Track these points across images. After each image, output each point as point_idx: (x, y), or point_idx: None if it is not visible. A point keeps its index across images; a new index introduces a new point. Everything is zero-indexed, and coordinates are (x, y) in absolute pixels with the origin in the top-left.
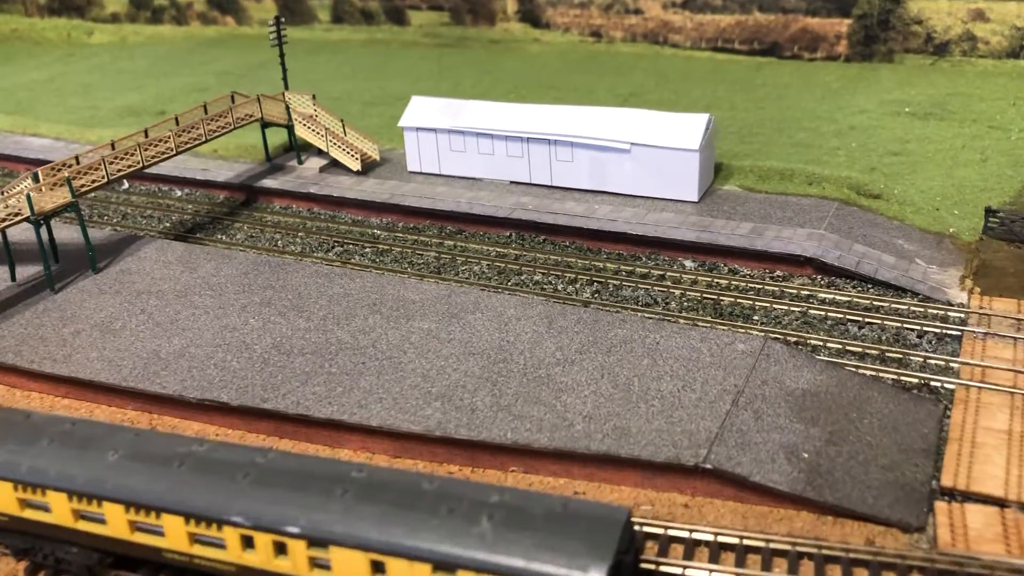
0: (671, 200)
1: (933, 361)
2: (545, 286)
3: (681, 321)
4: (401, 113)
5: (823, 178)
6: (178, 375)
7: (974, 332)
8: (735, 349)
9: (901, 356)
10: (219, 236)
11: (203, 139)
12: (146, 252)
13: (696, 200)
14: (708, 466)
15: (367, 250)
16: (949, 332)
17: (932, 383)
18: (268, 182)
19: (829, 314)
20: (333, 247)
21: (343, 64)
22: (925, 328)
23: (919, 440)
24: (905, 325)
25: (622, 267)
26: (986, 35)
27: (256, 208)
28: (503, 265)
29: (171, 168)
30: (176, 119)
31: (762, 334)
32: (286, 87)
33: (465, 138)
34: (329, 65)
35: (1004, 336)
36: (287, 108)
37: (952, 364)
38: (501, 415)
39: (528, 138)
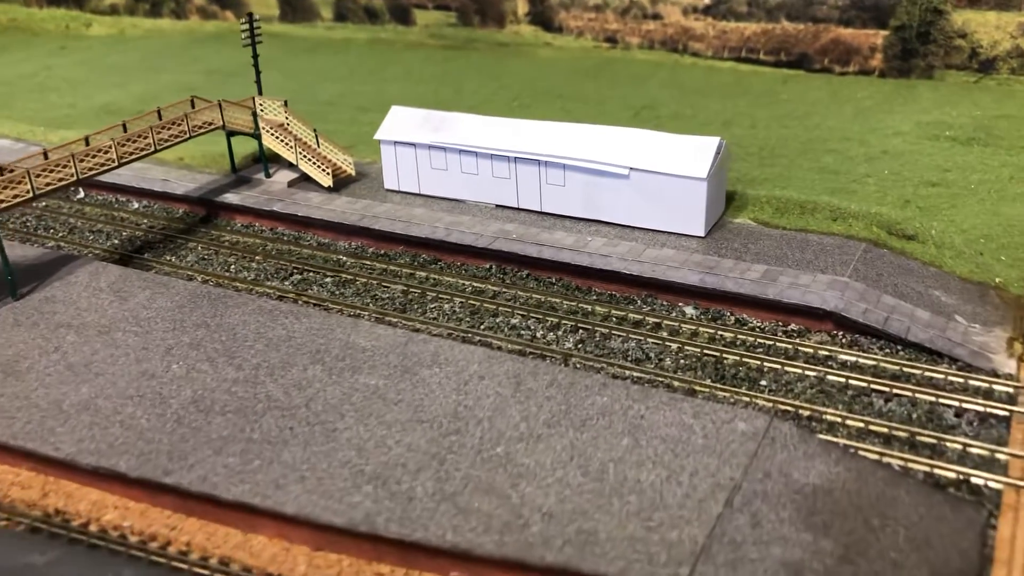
0: (674, 234)
1: (974, 450)
2: (522, 332)
3: (675, 384)
4: None
5: (850, 213)
6: (76, 433)
7: None
8: (734, 429)
9: (935, 441)
10: (168, 257)
11: (152, 149)
12: (78, 276)
13: (703, 235)
14: None
15: (328, 280)
16: (994, 411)
17: (972, 480)
18: (230, 197)
19: (850, 382)
20: (292, 274)
21: (340, 65)
22: (965, 405)
23: (956, 558)
24: (940, 400)
25: (613, 311)
26: None
27: (215, 225)
28: (478, 304)
29: (130, 177)
30: (124, 125)
31: (769, 407)
32: (259, 91)
33: (447, 155)
34: (326, 65)
35: None
36: (254, 115)
37: (998, 455)
38: (444, 507)
39: (516, 158)
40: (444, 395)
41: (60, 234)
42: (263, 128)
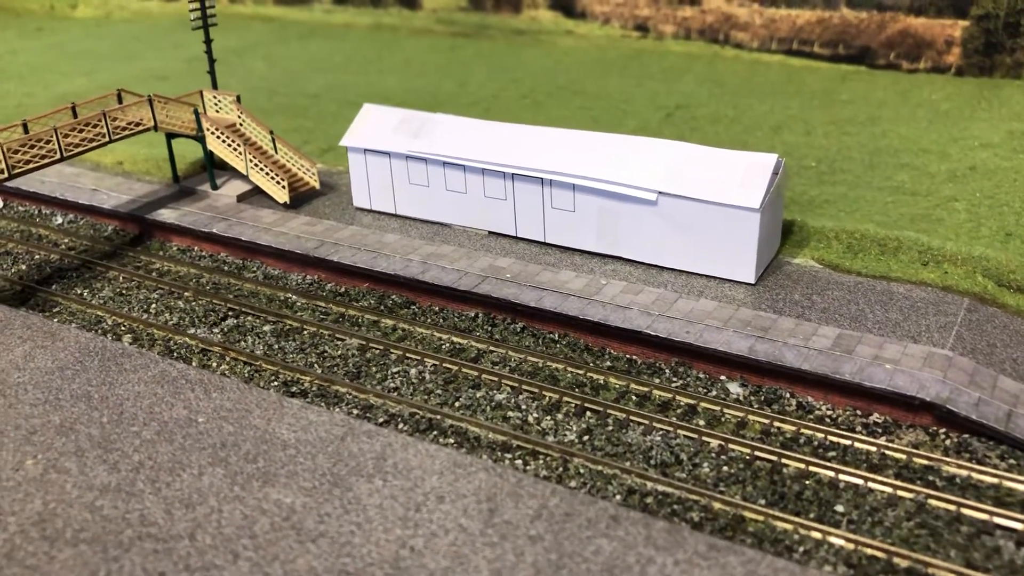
0: (716, 279)
1: None
2: (510, 413)
3: (715, 506)
4: None
5: (945, 255)
6: None
7: None
8: None
9: None
10: (79, 291)
11: (58, 156)
12: None
13: (753, 282)
14: None
15: (267, 328)
16: None
17: None
18: (166, 213)
19: (963, 511)
20: (224, 318)
21: (335, 52)
22: None
23: None
24: None
25: (632, 386)
26: None
27: (146, 249)
28: (455, 368)
29: (56, 185)
30: (25, 125)
31: (850, 552)
32: (213, 85)
33: (428, 168)
34: (319, 53)
35: None
36: (196, 115)
37: None
38: None
39: (513, 174)
40: (384, 528)
41: None
42: (208, 130)
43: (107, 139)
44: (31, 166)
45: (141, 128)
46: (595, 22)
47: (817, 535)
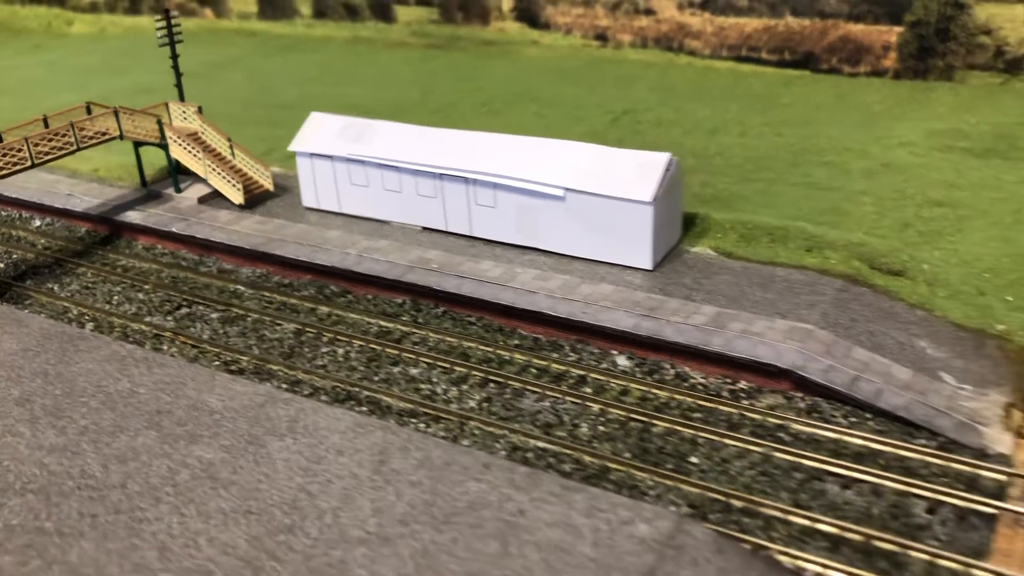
0: (619, 266)
1: (946, 563)
2: (421, 386)
3: (586, 459)
4: None
5: (827, 243)
6: None
7: (1016, 513)
8: (633, 533)
9: (897, 550)
10: (50, 285)
11: (28, 163)
12: None
13: (650, 268)
14: None
15: (215, 315)
16: (976, 508)
17: None
18: (132, 215)
19: (802, 461)
20: (178, 307)
21: (312, 65)
22: (942, 498)
23: None
24: (911, 489)
25: (533, 361)
26: None
27: (115, 247)
28: (379, 348)
29: (35, 191)
30: None
31: (696, 495)
32: (180, 96)
33: (367, 170)
34: (297, 65)
35: None
36: (159, 124)
37: (976, 572)
38: None
39: (442, 174)
40: (288, 476)
41: None
42: (171, 138)
43: (75, 147)
44: (3, 172)
45: (107, 137)
46: (558, 32)
47: (669, 482)
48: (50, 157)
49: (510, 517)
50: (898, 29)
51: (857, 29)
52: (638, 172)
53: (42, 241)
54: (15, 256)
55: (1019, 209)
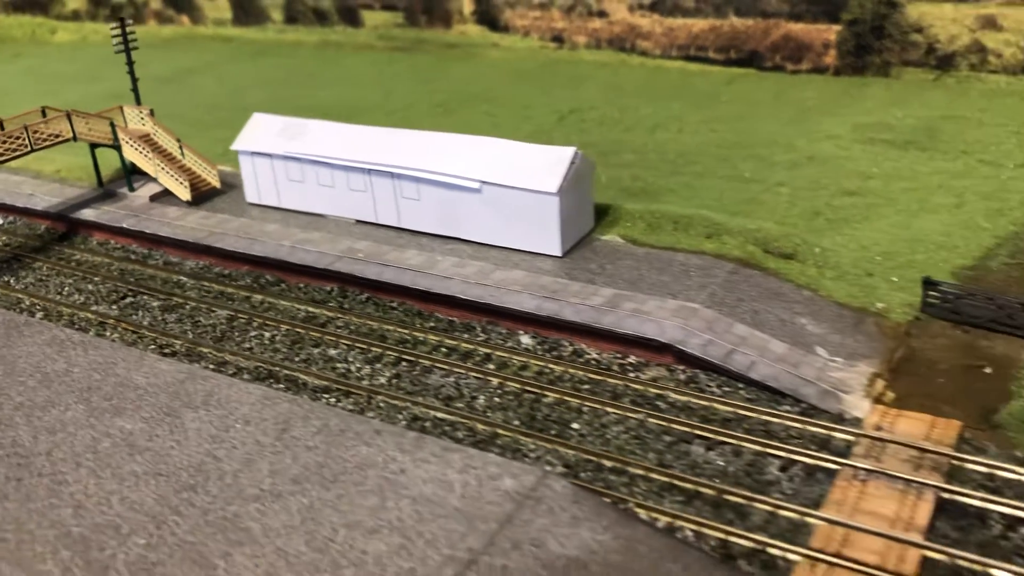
0: (531, 253)
1: (785, 513)
2: (338, 365)
3: (479, 427)
4: None
5: (726, 229)
6: None
7: (855, 468)
8: (499, 487)
9: (744, 502)
10: (7, 278)
11: None
12: None
13: (560, 254)
14: None
15: (156, 304)
16: (823, 465)
17: (770, 550)
18: (89, 213)
19: (673, 427)
20: (124, 297)
21: (281, 69)
22: (794, 456)
23: None
24: (768, 450)
25: (445, 341)
26: (998, 46)
27: (71, 243)
28: (303, 332)
29: (1, 192)
30: None
31: (572, 457)
32: (137, 100)
33: (303, 166)
34: (266, 70)
35: (894, 478)
36: (112, 127)
37: (809, 520)
38: None
39: (370, 170)
40: (197, 443)
41: None
42: (124, 140)
43: (29, 149)
44: None
45: (61, 139)
46: (517, 35)
47: (550, 445)
48: (4, 158)
49: (391, 475)
50: (836, 27)
51: (798, 28)
52: (546, 165)
53: (3, 238)
54: None
55: (925, 198)
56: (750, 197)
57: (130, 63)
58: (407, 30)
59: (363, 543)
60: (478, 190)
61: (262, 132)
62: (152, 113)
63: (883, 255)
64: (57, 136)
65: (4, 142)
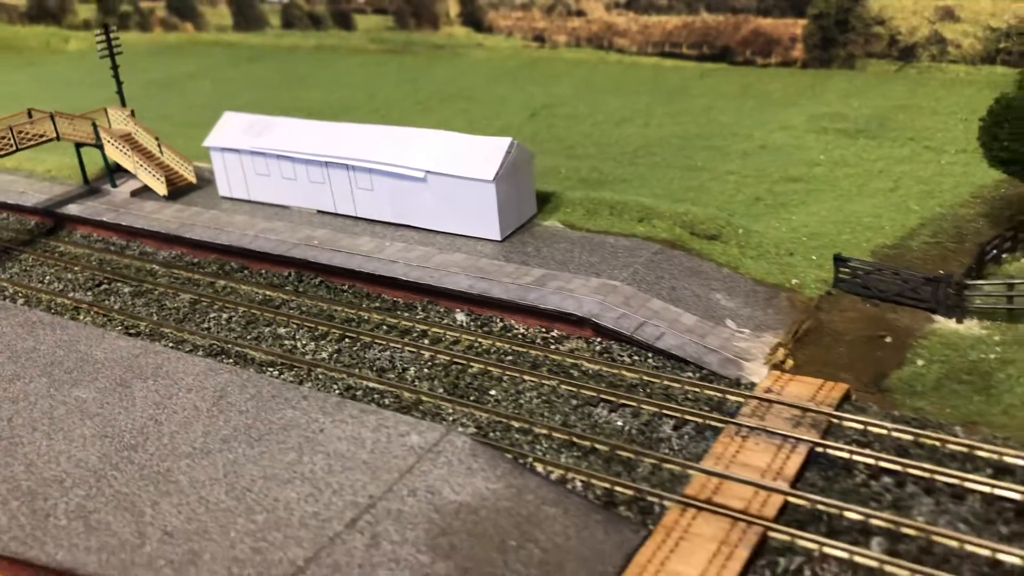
0: (473, 238)
1: (668, 466)
2: (286, 342)
3: (405, 395)
4: None
5: (658, 213)
6: None
7: (739, 426)
8: (405, 443)
9: (633, 456)
10: None
11: None
12: None
13: (499, 239)
14: None
15: (127, 290)
16: (712, 424)
17: (649, 498)
18: (74, 208)
19: (582, 392)
20: (99, 284)
21: (274, 72)
22: (688, 417)
23: None
24: (664, 411)
25: (387, 320)
26: (957, 37)
27: (57, 236)
28: (258, 313)
29: None
30: None
31: (482, 418)
32: (122, 103)
33: (267, 160)
34: (261, 73)
35: (773, 434)
36: (94, 126)
37: (689, 471)
38: (75, 525)
39: (327, 162)
40: (143, 409)
41: None
42: (105, 139)
43: (14, 148)
44: None
45: (45, 139)
46: (501, 35)
47: (467, 410)
48: None
49: (311, 434)
50: (802, 22)
51: (766, 23)
52: (484, 155)
53: None
54: None
55: (865, 183)
56: (698, 184)
57: (114, 67)
58: (397, 33)
59: (277, 492)
60: (424, 179)
61: (231, 129)
62: (133, 114)
63: (810, 236)
64: (41, 136)
65: None
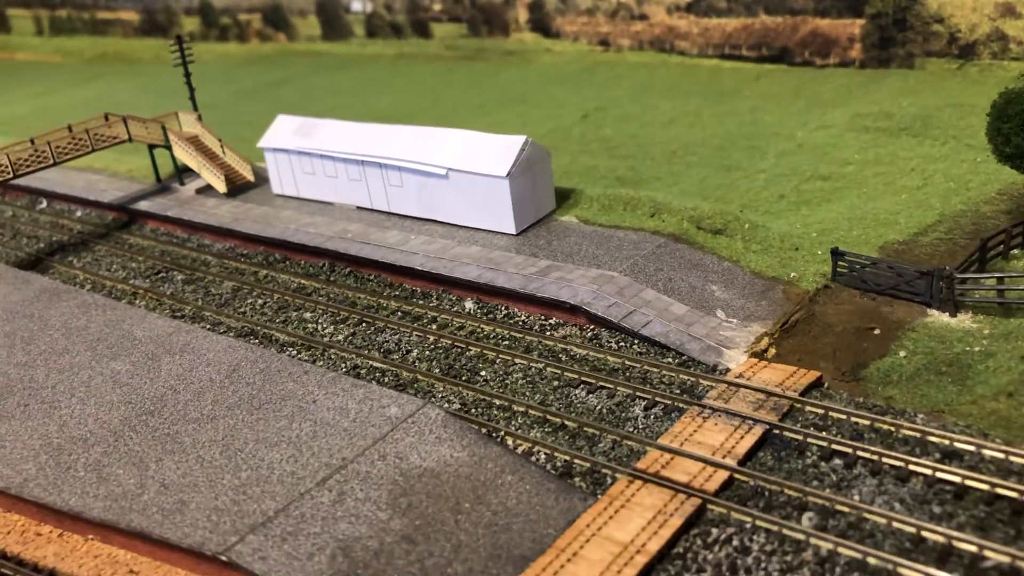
0: (490, 231)
1: (628, 442)
2: (308, 325)
3: (403, 374)
4: None
5: (668, 208)
6: None
7: (701, 407)
8: (384, 414)
9: (597, 432)
10: (71, 259)
11: (51, 161)
12: None
13: (515, 233)
14: (224, 558)
15: (180, 278)
16: (680, 406)
17: (602, 470)
18: (144, 204)
19: (565, 374)
20: (158, 272)
21: (354, 80)
22: (658, 399)
23: (528, 544)
24: (637, 393)
25: (403, 307)
26: (1019, 34)
27: (130, 230)
28: (289, 300)
29: (81, 188)
30: (32, 140)
31: (470, 396)
32: (194, 107)
33: (312, 160)
34: (342, 81)
35: (733, 415)
36: (163, 129)
37: (647, 447)
38: (89, 476)
39: (363, 161)
40: (165, 380)
41: (3, 239)
42: (173, 141)
43: (90, 149)
44: (30, 169)
45: (118, 141)
46: (567, 40)
47: (455, 388)
48: (68, 157)
49: (304, 404)
50: (860, 22)
51: (824, 23)
52: (500, 153)
53: (78, 227)
54: (54, 238)
55: (893, 180)
56: (727, 183)
57: (187, 75)
58: (470, 40)
59: (264, 453)
60: (446, 176)
61: (283, 131)
62: (200, 118)
63: (820, 232)
64: (115, 138)
65: (70, 143)
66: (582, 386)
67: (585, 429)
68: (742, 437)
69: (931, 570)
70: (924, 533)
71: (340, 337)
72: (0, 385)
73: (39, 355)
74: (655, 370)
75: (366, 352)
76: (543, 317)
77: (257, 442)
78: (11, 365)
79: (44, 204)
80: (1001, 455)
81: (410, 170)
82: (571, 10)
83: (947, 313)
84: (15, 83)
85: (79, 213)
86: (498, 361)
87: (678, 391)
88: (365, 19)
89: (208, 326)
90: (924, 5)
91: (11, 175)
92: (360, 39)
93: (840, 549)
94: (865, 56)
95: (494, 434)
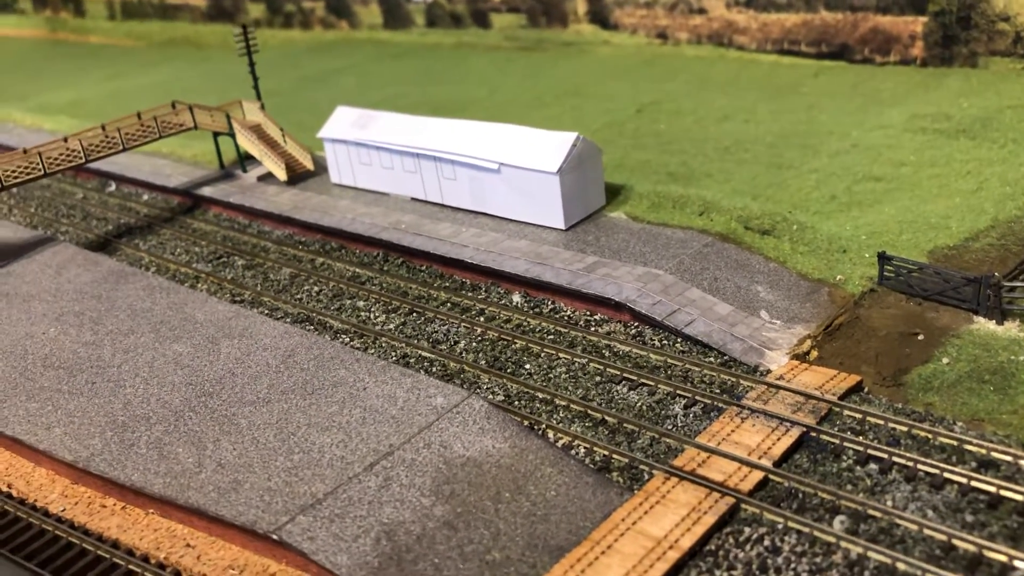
0: (540, 226)
1: (667, 440)
2: (362, 313)
3: (450, 365)
4: None
5: (717, 207)
6: None
7: (740, 408)
8: (430, 403)
9: (637, 429)
10: (137, 242)
11: (120, 148)
12: (43, 255)
13: (563, 228)
14: (275, 537)
15: (240, 263)
16: (719, 405)
17: (640, 466)
18: (208, 190)
19: (608, 370)
20: (220, 257)
21: (412, 69)
22: (698, 397)
23: (564, 535)
24: (678, 391)
25: (452, 298)
26: None
27: (193, 215)
28: (344, 287)
29: (148, 173)
30: (103, 127)
31: (512, 389)
32: (258, 96)
33: (369, 151)
34: (401, 69)
35: (771, 416)
36: (227, 117)
37: (686, 446)
38: (151, 453)
39: (418, 154)
40: (224, 363)
41: (75, 220)
42: (237, 129)
43: (157, 135)
44: (101, 155)
45: (184, 128)
46: (625, 32)
47: (500, 380)
48: (136, 143)
49: (355, 391)
50: (923, 19)
51: (885, 20)
52: (551, 149)
53: (144, 210)
54: (122, 221)
55: (948, 183)
56: (778, 182)
57: (251, 64)
58: (529, 31)
59: (315, 437)
60: (497, 171)
61: (342, 122)
62: (263, 107)
63: (870, 235)
64: (181, 125)
65: (139, 129)
66: (624, 382)
67: (625, 425)
68: (779, 439)
69: None
70: (955, 541)
71: (391, 326)
72: (70, 363)
73: (106, 335)
74: (696, 369)
75: (415, 341)
76: (588, 313)
77: (309, 426)
78: (80, 344)
79: (113, 187)
80: None
81: (463, 164)
82: (630, 2)
83: (993, 321)
84: (88, 66)
85: (146, 197)
86: (543, 355)
87: (718, 391)
88: (426, 8)
89: (266, 311)
90: (990, 3)
91: (83, 160)
92: (420, 28)
93: (870, 553)
94: (927, 54)
95: (536, 427)
